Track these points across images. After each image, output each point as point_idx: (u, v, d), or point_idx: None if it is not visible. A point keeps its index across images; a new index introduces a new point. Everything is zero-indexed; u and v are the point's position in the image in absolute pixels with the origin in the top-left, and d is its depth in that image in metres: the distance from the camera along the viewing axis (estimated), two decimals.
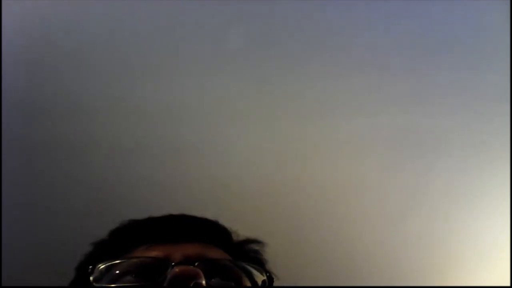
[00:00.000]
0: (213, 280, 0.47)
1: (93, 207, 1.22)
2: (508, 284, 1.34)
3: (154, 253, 0.49)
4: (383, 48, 1.05)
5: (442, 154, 1.20)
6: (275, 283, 0.54)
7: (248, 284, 0.50)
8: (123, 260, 0.49)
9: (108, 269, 0.48)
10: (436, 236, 1.32)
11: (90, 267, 0.49)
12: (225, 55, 1.05)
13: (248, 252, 0.56)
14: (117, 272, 0.48)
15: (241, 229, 0.59)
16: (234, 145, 1.17)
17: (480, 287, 1.36)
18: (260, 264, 0.55)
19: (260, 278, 0.50)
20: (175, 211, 0.58)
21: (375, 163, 1.21)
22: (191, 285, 0.42)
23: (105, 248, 0.55)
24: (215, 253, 0.51)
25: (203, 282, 0.43)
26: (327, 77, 1.09)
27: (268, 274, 0.53)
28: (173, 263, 0.46)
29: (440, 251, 1.35)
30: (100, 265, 0.48)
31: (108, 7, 0.98)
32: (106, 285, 0.47)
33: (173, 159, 1.18)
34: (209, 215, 0.59)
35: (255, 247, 0.58)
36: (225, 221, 0.59)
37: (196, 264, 0.46)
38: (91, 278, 0.48)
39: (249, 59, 1.06)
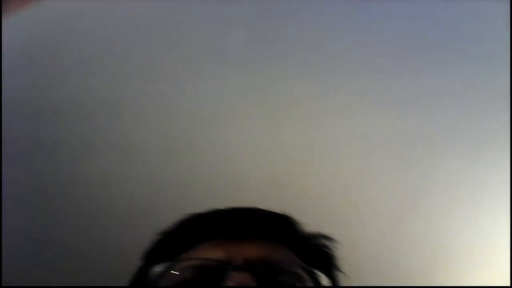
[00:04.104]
0: (274, 285, 0.45)
1: (93, 207, 1.22)
2: (508, 284, 1.34)
3: (215, 253, 0.47)
4: (383, 49, 1.05)
5: (442, 154, 1.20)
6: (344, 281, 0.53)
7: (313, 282, 0.47)
8: (180, 262, 0.47)
9: (166, 270, 0.47)
10: (436, 236, 1.32)
11: (147, 268, 0.48)
12: (225, 55, 1.05)
13: (316, 250, 0.53)
14: (175, 274, 0.46)
15: None
16: (234, 146, 1.17)
17: (480, 287, 1.36)
18: (327, 262, 0.53)
19: (326, 281, 0.48)
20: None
21: (376, 163, 1.21)
22: None
23: (165, 244, 0.53)
24: (279, 254, 0.48)
25: None
26: (327, 78, 1.09)
27: (332, 275, 0.51)
28: (231, 269, 0.44)
29: (440, 251, 1.35)
30: (157, 266, 0.47)
31: (108, 8, 0.98)
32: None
33: (173, 159, 1.18)
34: None
35: (324, 242, 0.54)
36: None
37: (257, 268, 0.44)
38: (148, 279, 0.47)
39: (248, 59, 1.06)
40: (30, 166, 1.17)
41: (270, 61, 1.06)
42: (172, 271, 0.46)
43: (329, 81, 1.09)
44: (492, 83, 1.10)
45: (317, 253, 0.53)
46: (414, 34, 1.04)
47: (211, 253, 0.47)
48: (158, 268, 0.47)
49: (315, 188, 1.23)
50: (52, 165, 1.17)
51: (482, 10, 1.00)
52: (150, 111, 1.11)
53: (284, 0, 0.98)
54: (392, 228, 1.30)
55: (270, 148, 1.17)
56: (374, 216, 1.28)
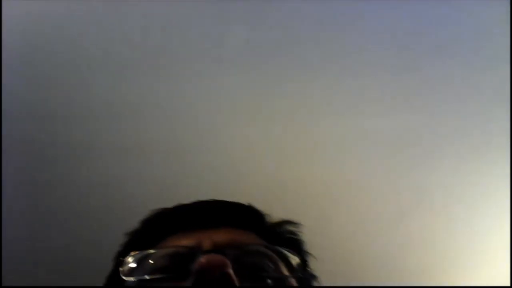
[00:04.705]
0: (244, 266, 0.45)
1: (93, 207, 1.22)
2: (508, 284, 1.34)
3: (185, 241, 0.48)
4: (383, 49, 1.05)
5: (443, 155, 1.20)
6: (313, 264, 0.53)
7: (284, 268, 0.47)
8: (151, 252, 0.48)
9: (138, 261, 0.47)
10: (436, 236, 1.32)
11: (120, 258, 0.48)
12: (225, 55, 1.05)
13: (282, 234, 0.54)
14: (147, 263, 0.47)
15: None
16: (234, 146, 1.17)
17: (480, 287, 1.36)
18: (295, 245, 0.53)
19: (295, 260, 0.48)
20: None
21: (376, 163, 1.21)
22: (218, 275, 0.41)
23: (136, 238, 0.54)
24: (247, 238, 0.50)
25: (230, 271, 0.42)
26: (328, 78, 1.09)
27: (302, 256, 0.51)
28: (201, 253, 0.44)
29: (440, 251, 1.35)
30: (128, 257, 0.48)
31: (108, 8, 0.98)
32: (134, 278, 0.46)
33: (174, 159, 1.18)
34: None
35: (290, 228, 0.55)
36: None
37: (226, 251, 0.44)
38: (120, 270, 0.47)
39: (248, 59, 1.06)
40: (30, 166, 1.17)
41: (270, 61, 1.06)
42: (143, 261, 0.47)
43: (329, 81, 1.09)
44: (492, 83, 1.10)
45: (284, 237, 0.54)
46: (414, 34, 1.04)
47: (182, 241, 0.48)
48: (130, 259, 0.47)
49: (315, 188, 1.23)
50: (52, 165, 1.17)
51: (482, 10, 1.00)
52: (150, 111, 1.11)
53: (284, 0, 0.98)
54: (392, 228, 1.30)
55: (270, 148, 1.17)
56: (374, 216, 1.28)
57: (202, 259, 0.42)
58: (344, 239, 1.29)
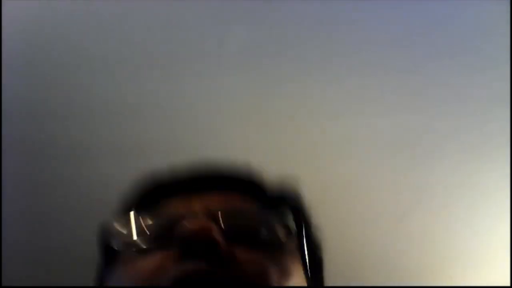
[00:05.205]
0: (237, 231, 0.42)
1: (93, 207, 1.22)
2: (508, 284, 1.34)
3: (176, 206, 0.46)
4: (383, 49, 1.05)
5: (442, 155, 1.20)
6: (316, 228, 0.51)
7: (281, 232, 0.45)
8: (140, 217, 0.45)
9: (125, 226, 0.45)
10: (436, 236, 1.32)
11: (110, 224, 0.46)
12: (225, 55, 1.05)
13: (281, 197, 0.51)
14: (135, 229, 0.44)
15: None
16: (234, 146, 1.17)
17: (480, 287, 1.36)
18: (295, 208, 0.50)
19: (294, 224, 0.46)
20: None
21: (376, 163, 1.21)
22: (203, 241, 0.38)
23: (129, 201, 0.52)
24: (242, 202, 0.47)
25: (217, 236, 0.39)
26: (328, 78, 1.09)
27: (302, 220, 0.48)
28: (191, 218, 0.41)
29: (440, 251, 1.35)
30: (116, 225, 0.46)
31: (108, 8, 0.98)
32: (120, 243, 0.45)
33: (174, 159, 1.17)
34: None
35: (289, 190, 0.52)
36: None
37: (217, 216, 0.42)
38: (109, 240, 0.46)
39: (248, 59, 1.06)
40: (30, 166, 1.17)
41: (270, 61, 1.06)
42: (132, 226, 0.45)
43: (329, 81, 1.09)
44: (492, 83, 1.10)
45: (283, 200, 0.51)
46: (414, 34, 1.04)
47: (174, 206, 0.46)
48: (118, 224, 0.46)
49: (315, 188, 1.23)
50: (52, 165, 1.17)
51: (482, 10, 1.00)
52: (150, 111, 1.11)
53: (284, 0, 0.98)
54: (392, 228, 1.30)
55: (270, 148, 1.17)
56: (374, 216, 1.28)
57: (187, 224, 0.40)
58: (343, 239, 1.29)
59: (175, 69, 1.06)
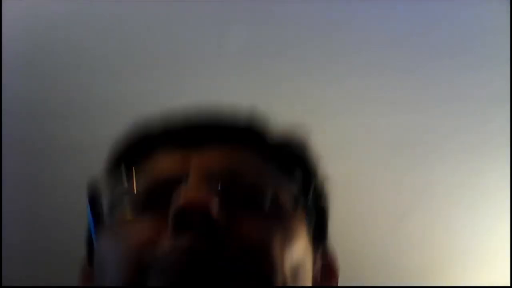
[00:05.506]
0: (237, 197, 0.38)
1: None
2: (508, 284, 1.34)
3: (170, 163, 0.41)
4: (383, 49, 1.05)
5: (442, 155, 1.20)
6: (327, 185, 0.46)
7: (286, 196, 0.41)
8: (133, 176, 0.40)
9: (113, 183, 0.41)
10: (436, 236, 1.32)
11: (98, 181, 0.42)
12: (225, 55, 1.05)
13: (288, 152, 0.46)
14: (127, 190, 0.40)
15: None
16: None
17: (480, 287, 1.36)
18: (303, 165, 0.46)
19: (301, 186, 0.42)
20: None
21: (376, 163, 1.21)
22: (201, 214, 0.35)
23: (119, 152, 0.46)
24: (244, 159, 0.42)
25: (215, 210, 0.35)
26: (328, 78, 1.09)
27: (311, 178, 0.44)
28: (184, 183, 0.37)
29: (440, 251, 1.35)
30: (105, 182, 0.42)
31: (108, 8, 0.98)
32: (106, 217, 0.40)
33: None
34: None
35: (297, 143, 0.47)
36: None
37: (215, 180, 0.38)
38: (97, 200, 0.41)
39: (248, 59, 1.06)
40: (30, 166, 1.17)
41: (270, 61, 1.06)
42: (121, 185, 0.41)
43: (329, 81, 1.09)
44: (492, 83, 1.10)
45: (289, 154, 0.46)
46: (414, 34, 1.04)
47: (167, 162, 0.42)
48: (107, 182, 0.41)
49: None
50: (52, 165, 1.17)
51: (482, 10, 1.00)
52: (150, 111, 1.11)
53: (284, 0, 0.98)
54: (392, 228, 1.30)
55: None
56: (374, 216, 1.28)
57: (183, 194, 0.36)
58: (343, 239, 1.29)
59: (175, 69, 1.06)
